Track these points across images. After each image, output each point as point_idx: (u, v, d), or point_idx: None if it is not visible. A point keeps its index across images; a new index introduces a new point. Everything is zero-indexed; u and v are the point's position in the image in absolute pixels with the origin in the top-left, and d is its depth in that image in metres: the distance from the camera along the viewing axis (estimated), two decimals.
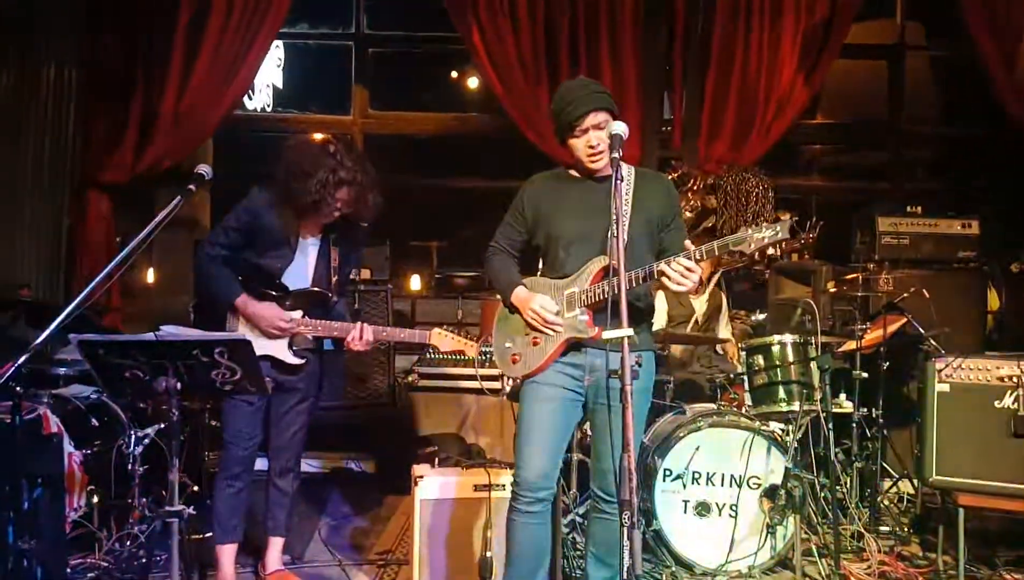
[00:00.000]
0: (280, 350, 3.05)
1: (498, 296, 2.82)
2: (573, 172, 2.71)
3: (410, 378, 4.86)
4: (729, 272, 4.86)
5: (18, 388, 2.87)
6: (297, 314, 3.04)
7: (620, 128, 2.33)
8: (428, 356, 4.84)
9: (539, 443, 2.59)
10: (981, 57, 5.17)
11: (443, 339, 3.05)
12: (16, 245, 4.98)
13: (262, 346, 2.99)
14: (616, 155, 2.27)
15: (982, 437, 3.22)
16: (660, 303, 4.41)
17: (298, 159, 2.96)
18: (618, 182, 2.22)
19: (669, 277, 2.38)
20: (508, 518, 2.65)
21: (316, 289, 3.10)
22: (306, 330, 3.04)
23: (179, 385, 2.52)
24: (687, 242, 2.40)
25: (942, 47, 6.16)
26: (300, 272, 3.09)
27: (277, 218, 3.01)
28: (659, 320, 4.38)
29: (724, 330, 4.60)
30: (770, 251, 2.34)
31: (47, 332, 2.53)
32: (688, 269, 2.35)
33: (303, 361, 3.10)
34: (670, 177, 5.05)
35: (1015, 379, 3.18)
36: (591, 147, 2.55)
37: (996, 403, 3.22)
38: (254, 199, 3.05)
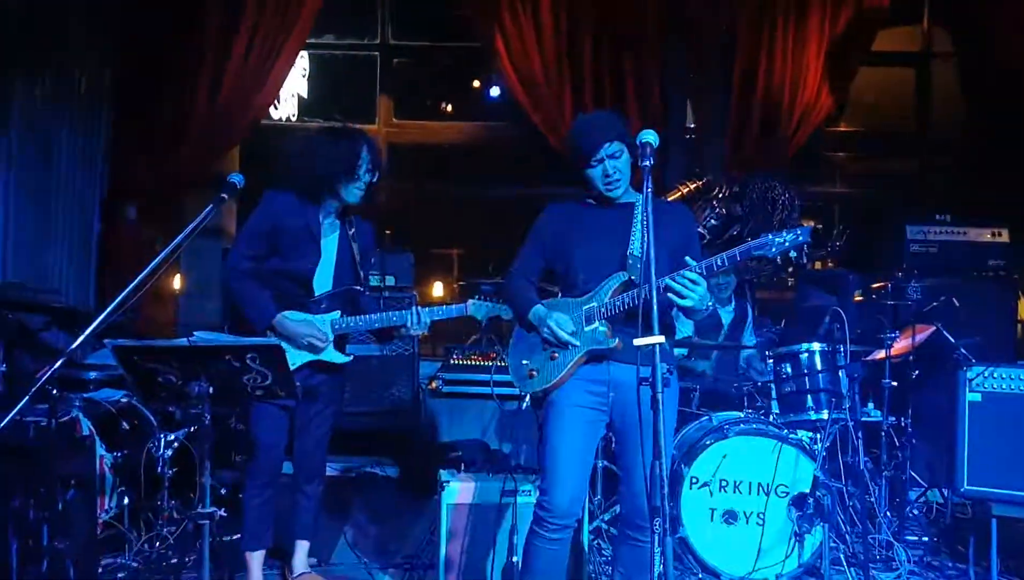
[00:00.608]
0: (327, 352, 3.09)
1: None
2: (591, 200, 2.73)
3: (434, 385, 4.88)
4: (753, 280, 4.84)
5: (54, 391, 2.93)
6: (335, 314, 3.09)
7: (651, 136, 2.36)
8: (452, 363, 4.87)
9: (567, 469, 2.57)
10: (1012, 65, 5.11)
11: (479, 308, 3.13)
12: (47, 250, 5.06)
13: (298, 346, 3.04)
14: (648, 163, 2.30)
15: (1014, 447, 3.19)
16: None
17: (315, 138, 3.05)
18: (649, 189, 2.23)
19: (674, 290, 2.38)
20: (529, 539, 2.64)
21: (346, 286, 3.14)
22: (350, 328, 3.10)
23: (211, 390, 2.56)
24: (687, 259, 2.41)
25: (969, 54, 6.09)
26: (324, 269, 3.12)
27: (299, 216, 3.04)
28: (686, 329, 4.38)
29: (750, 338, 4.59)
30: (791, 254, 2.33)
31: (82, 337, 2.58)
32: (692, 281, 2.36)
33: (350, 358, 3.15)
34: (694, 185, 5.07)
35: None
36: (607, 176, 2.60)
37: None
38: (271, 203, 3.07)
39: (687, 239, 2.66)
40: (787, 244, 2.27)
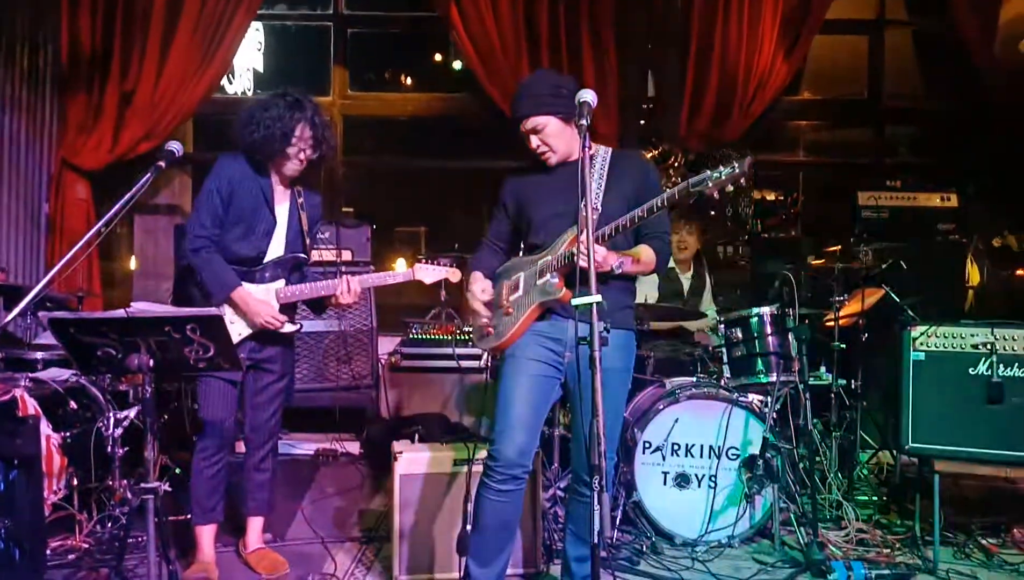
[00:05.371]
0: None
1: None
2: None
3: (393, 359, 4.86)
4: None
5: None
6: (280, 283, 3.06)
7: (587, 96, 2.35)
8: (411, 337, 4.84)
9: (517, 419, 2.57)
10: (960, 30, 5.16)
11: (425, 272, 3.12)
12: None
13: (253, 323, 3.00)
14: (584, 122, 2.28)
15: (957, 404, 3.24)
16: (652, 278, 4.41)
17: (253, 105, 2.99)
18: (585, 150, 2.22)
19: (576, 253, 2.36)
20: (479, 492, 2.64)
21: (292, 254, 3.11)
22: (293, 297, 3.06)
23: (152, 362, 2.51)
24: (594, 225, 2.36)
25: (923, 22, 6.14)
26: (277, 236, 3.09)
27: (252, 181, 3.01)
28: (650, 296, 4.40)
29: (708, 307, 4.62)
30: (729, 188, 2.32)
31: (15, 311, 2.53)
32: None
33: (297, 327, 3.11)
34: (651, 155, 5.07)
35: (988, 346, 3.20)
36: (535, 149, 2.63)
37: (971, 370, 3.24)
38: (225, 167, 3.02)
39: (646, 189, 2.64)
40: (723, 177, 2.27)
